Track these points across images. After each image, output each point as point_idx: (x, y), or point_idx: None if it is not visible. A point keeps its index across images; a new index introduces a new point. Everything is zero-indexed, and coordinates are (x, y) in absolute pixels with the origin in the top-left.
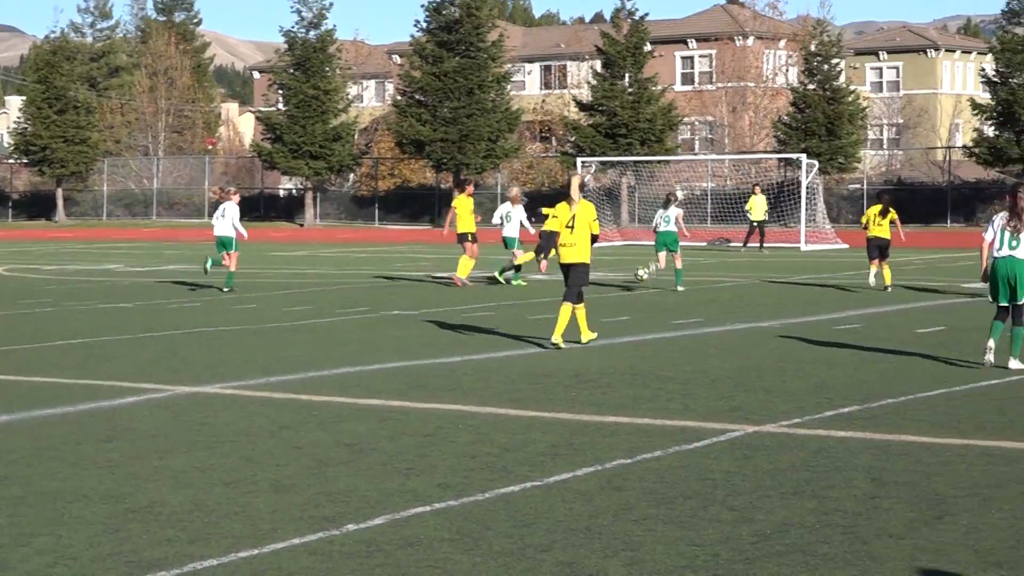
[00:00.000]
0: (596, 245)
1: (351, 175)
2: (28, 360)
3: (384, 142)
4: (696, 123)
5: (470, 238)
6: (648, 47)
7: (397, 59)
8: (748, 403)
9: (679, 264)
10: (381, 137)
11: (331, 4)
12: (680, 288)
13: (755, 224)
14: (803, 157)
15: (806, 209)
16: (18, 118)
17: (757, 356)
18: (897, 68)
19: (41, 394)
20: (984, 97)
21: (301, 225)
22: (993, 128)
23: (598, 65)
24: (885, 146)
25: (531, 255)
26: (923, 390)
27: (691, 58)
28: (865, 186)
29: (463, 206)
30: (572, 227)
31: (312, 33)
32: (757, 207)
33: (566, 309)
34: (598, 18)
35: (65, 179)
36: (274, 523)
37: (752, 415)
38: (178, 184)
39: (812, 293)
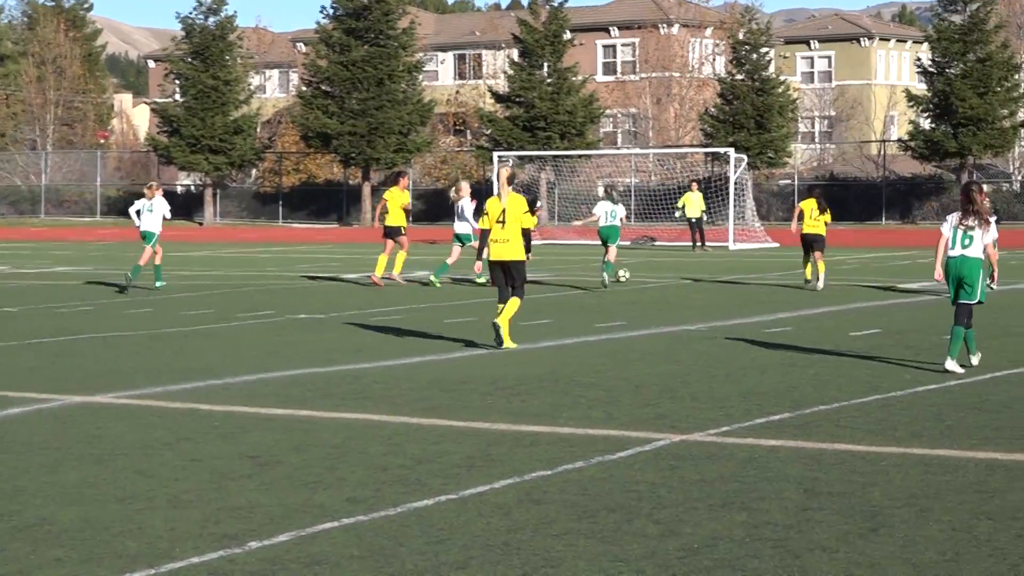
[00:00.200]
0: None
1: (253, 170)
2: None
3: (288, 135)
4: (619, 115)
5: (403, 232)
6: (568, 35)
7: (302, 47)
8: (674, 411)
9: (612, 258)
10: (285, 130)
11: None
12: (607, 281)
13: (692, 222)
14: (731, 151)
15: (734, 206)
16: None
17: (684, 361)
18: (829, 58)
19: None
20: (920, 88)
21: (200, 224)
22: (929, 121)
23: (515, 54)
24: (817, 139)
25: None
26: (857, 396)
27: (613, 47)
28: (796, 182)
29: (396, 200)
30: (503, 222)
31: (211, 20)
32: (693, 204)
33: (514, 302)
34: (515, 4)
35: None
36: (172, 541)
37: (678, 423)
38: (68, 180)
39: (741, 294)
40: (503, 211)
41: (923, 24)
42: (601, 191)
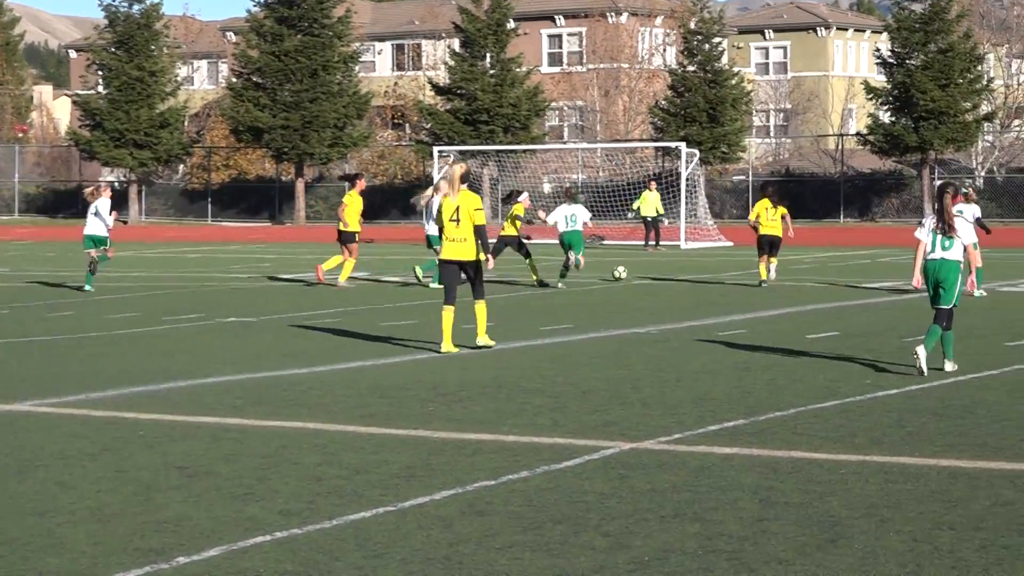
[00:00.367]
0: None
1: (180, 166)
2: None
3: (218, 129)
4: (565, 108)
5: (356, 238)
6: (511, 24)
7: (232, 37)
8: (624, 417)
9: (575, 259)
10: (214, 124)
11: None
12: (561, 284)
13: (648, 220)
14: (682, 146)
15: (686, 203)
16: None
17: (634, 365)
18: (785, 48)
19: None
20: (879, 80)
21: (124, 223)
22: (889, 114)
23: (456, 44)
24: (772, 134)
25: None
26: (815, 401)
27: (559, 36)
28: (750, 177)
29: (356, 204)
30: (457, 220)
31: (136, 7)
32: (649, 203)
33: (480, 307)
34: None
35: None
36: (95, 557)
37: (628, 431)
38: None
39: (693, 295)
40: (457, 209)
41: (882, 13)
42: (547, 188)
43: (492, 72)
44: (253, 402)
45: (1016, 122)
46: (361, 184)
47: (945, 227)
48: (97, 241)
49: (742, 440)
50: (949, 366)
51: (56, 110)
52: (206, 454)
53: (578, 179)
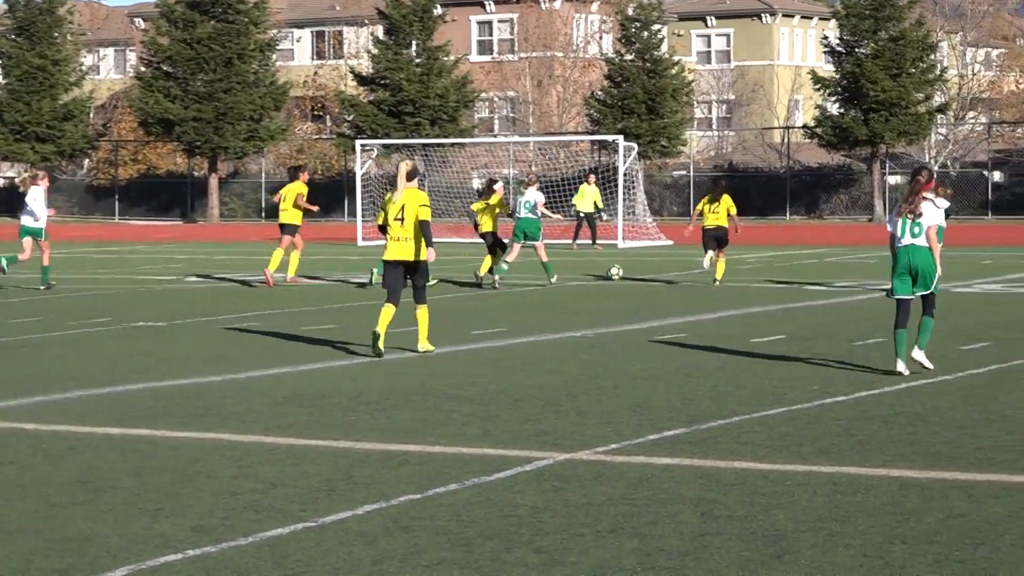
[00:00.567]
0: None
1: (86, 161)
2: None
3: (125, 122)
4: (496, 99)
5: (298, 231)
6: (438, 10)
7: (140, 23)
8: (558, 426)
9: (544, 256)
10: (122, 116)
11: None
12: (554, 280)
13: (582, 216)
14: (620, 139)
15: (624, 200)
16: None
17: (568, 371)
18: (727, 36)
19: None
20: (827, 69)
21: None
22: (838, 105)
23: (380, 31)
24: (714, 126)
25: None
26: (760, 409)
27: (489, 23)
28: (692, 173)
29: (304, 192)
30: (402, 219)
31: None
32: (587, 198)
33: (423, 312)
34: None
35: None
36: None
37: (562, 440)
38: None
39: (632, 298)
40: (402, 207)
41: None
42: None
43: (418, 61)
44: (163, 412)
45: (971, 114)
46: (304, 176)
47: (911, 211)
48: (31, 233)
49: (683, 450)
50: (918, 355)
51: None
52: (113, 467)
53: (509, 174)
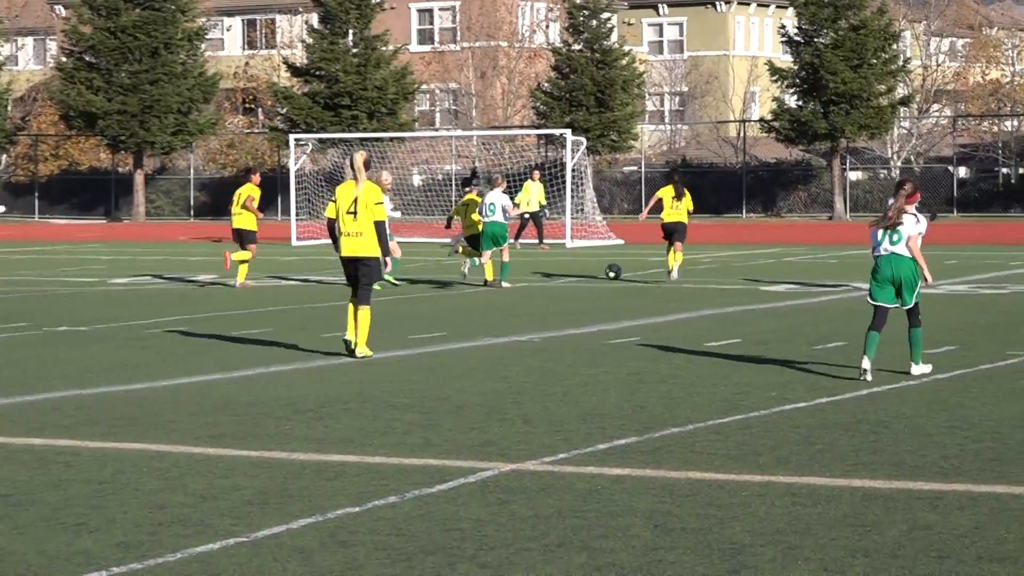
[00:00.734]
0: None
1: (3, 156)
2: None
3: (46, 115)
4: (437, 91)
5: (255, 237)
6: None
7: (61, 11)
8: (503, 435)
9: (506, 257)
10: (42, 108)
11: None
12: (506, 284)
13: (527, 216)
14: (568, 133)
15: (572, 197)
16: None
17: (514, 377)
18: (680, 25)
19: None
20: (785, 60)
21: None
22: (796, 98)
23: (314, 19)
24: (667, 120)
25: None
26: (715, 416)
27: (430, 11)
28: (643, 168)
29: (257, 194)
30: (355, 213)
31: None
32: (532, 195)
33: (364, 315)
34: None
35: None
36: None
37: (508, 450)
38: None
39: (580, 300)
40: (355, 200)
41: None
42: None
43: (355, 51)
44: (86, 421)
45: (935, 107)
46: (256, 178)
47: (889, 222)
48: None
49: (634, 460)
50: (916, 370)
51: None
52: (32, 480)
53: (451, 170)
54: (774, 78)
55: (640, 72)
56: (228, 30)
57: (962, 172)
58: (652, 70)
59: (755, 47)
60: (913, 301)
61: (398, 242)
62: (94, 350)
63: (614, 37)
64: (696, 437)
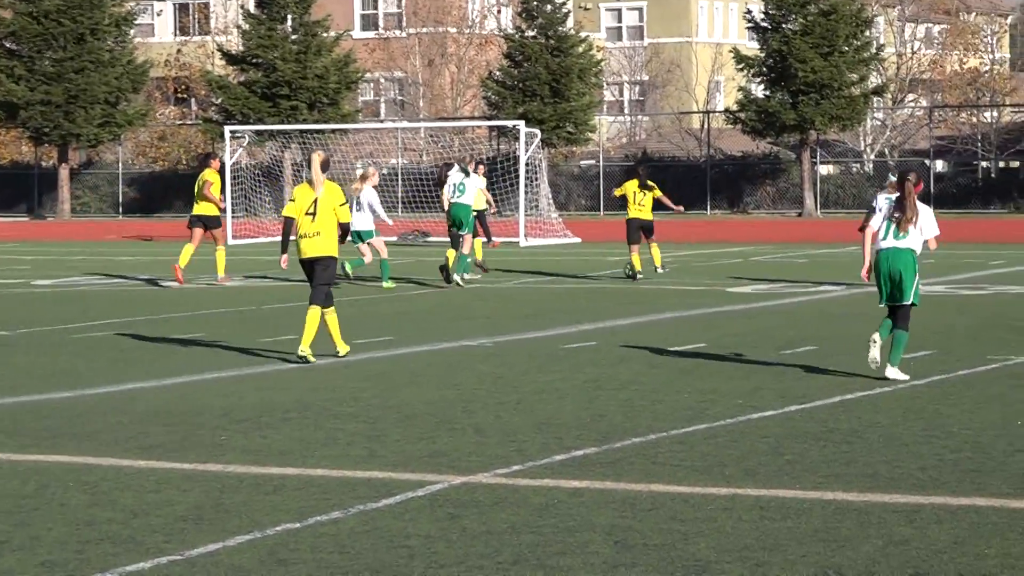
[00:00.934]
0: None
1: None
2: None
3: None
4: (382, 80)
5: (220, 223)
6: None
7: None
8: (454, 446)
9: (466, 249)
10: None
11: None
12: (457, 278)
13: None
14: (521, 125)
15: (526, 193)
16: None
17: (465, 384)
18: (640, 10)
19: None
20: (751, 47)
21: None
22: (763, 87)
23: (251, 4)
24: (626, 110)
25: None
26: (679, 426)
27: None
28: (601, 162)
29: (218, 181)
30: (314, 214)
31: None
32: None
33: (313, 314)
34: None
35: None
36: None
37: (459, 462)
38: None
39: (535, 302)
40: (315, 201)
41: None
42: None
43: (294, 38)
44: (7, 432)
45: (910, 97)
46: (215, 163)
47: (903, 220)
48: None
49: (593, 472)
50: (892, 373)
51: None
52: None
53: (397, 164)
54: (740, 66)
55: (598, 60)
56: (159, 15)
57: (939, 166)
58: (610, 58)
59: (719, 33)
60: (910, 300)
61: (384, 241)
62: (17, 357)
63: (570, 23)
64: (659, 448)
